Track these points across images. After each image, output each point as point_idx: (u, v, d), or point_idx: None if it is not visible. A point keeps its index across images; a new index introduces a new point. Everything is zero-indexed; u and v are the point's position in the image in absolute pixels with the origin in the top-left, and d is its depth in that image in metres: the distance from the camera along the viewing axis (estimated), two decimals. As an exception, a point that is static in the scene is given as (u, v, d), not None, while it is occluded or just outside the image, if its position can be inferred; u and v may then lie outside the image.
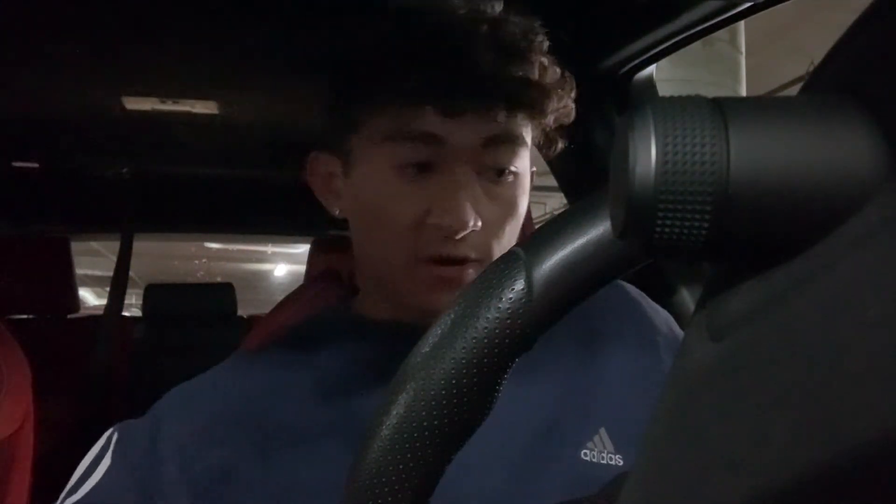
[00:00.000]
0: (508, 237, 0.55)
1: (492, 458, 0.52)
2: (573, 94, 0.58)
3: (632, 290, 0.66)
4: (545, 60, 0.55)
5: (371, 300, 0.62)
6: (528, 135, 0.55)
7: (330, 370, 0.57)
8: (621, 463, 0.54)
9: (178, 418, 0.55)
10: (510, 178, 0.54)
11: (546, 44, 0.56)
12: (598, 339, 0.60)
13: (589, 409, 0.56)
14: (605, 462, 0.53)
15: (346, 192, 0.58)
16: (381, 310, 0.60)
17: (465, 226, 0.51)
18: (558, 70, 0.56)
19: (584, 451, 0.54)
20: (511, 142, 0.53)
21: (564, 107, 0.57)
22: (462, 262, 0.53)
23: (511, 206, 0.55)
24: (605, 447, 0.54)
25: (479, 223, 0.52)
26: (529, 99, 0.53)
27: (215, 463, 0.51)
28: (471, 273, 0.53)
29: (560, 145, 0.60)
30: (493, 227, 0.54)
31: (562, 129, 0.59)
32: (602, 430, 0.55)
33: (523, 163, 0.55)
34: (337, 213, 0.60)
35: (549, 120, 0.56)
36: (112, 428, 0.55)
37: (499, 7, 0.55)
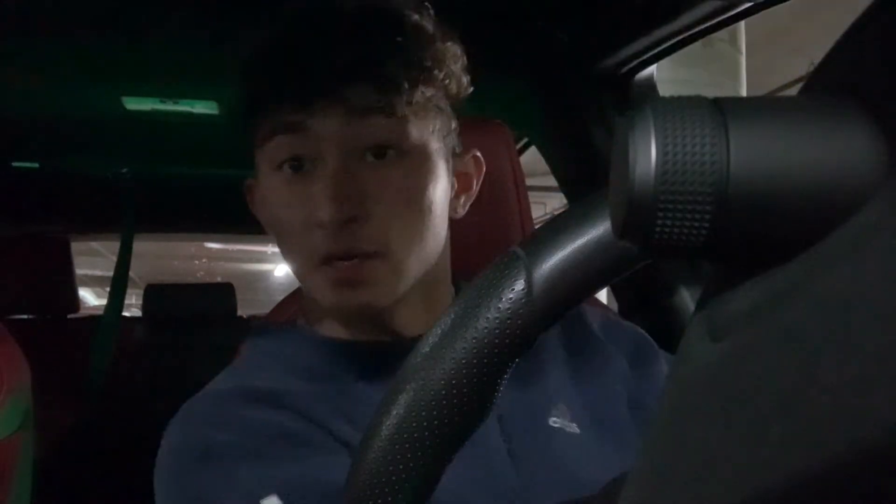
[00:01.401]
0: (414, 224, 0.52)
1: (496, 451, 0.54)
2: (457, 65, 0.55)
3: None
4: (421, 33, 0.53)
5: (319, 315, 0.60)
6: (399, 106, 0.50)
7: (290, 390, 0.54)
8: (578, 431, 0.57)
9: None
10: (393, 155, 0.51)
11: (429, 18, 0.54)
12: (575, 335, 0.64)
13: (544, 387, 0.59)
14: (568, 430, 0.56)
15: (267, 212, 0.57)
16: (332, 325, 0.59)
17: (337, 216, 0.48)
18: (441, 42, 0.54)
19: (553, 419, 0.57)
20: (375, 114, 0.49)
21: (445, 75, 0.54)
22: (353, 255, 0.50)
23: (402, 188, 0.51)
24: (565, 416, 0.57)
25: (357, 211, 0.49)
26: (383, 72, 0.50)
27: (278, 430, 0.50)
28: (369, 269, 0.50)
29: (448, 112, 0.56)
30: (385, 215, 0.50)
31: (455, 98, 0.56)
32: (560, 403, 0.58)
33: (407, 139, 0.51)
34: (272, 226, 0.58)
35: (427, 91, 0.52)
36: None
37: None
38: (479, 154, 0.61)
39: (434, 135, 0.54)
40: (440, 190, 0.54)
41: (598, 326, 0.66)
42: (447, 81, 0.54)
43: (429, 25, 0.54)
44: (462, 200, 0.60)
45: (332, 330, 0.59)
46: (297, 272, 0.55)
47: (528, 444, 0.55)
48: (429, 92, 0.52)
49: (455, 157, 0.58)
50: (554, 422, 0.57)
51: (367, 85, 0.49)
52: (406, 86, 0.50)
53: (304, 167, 0.51)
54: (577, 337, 0.64)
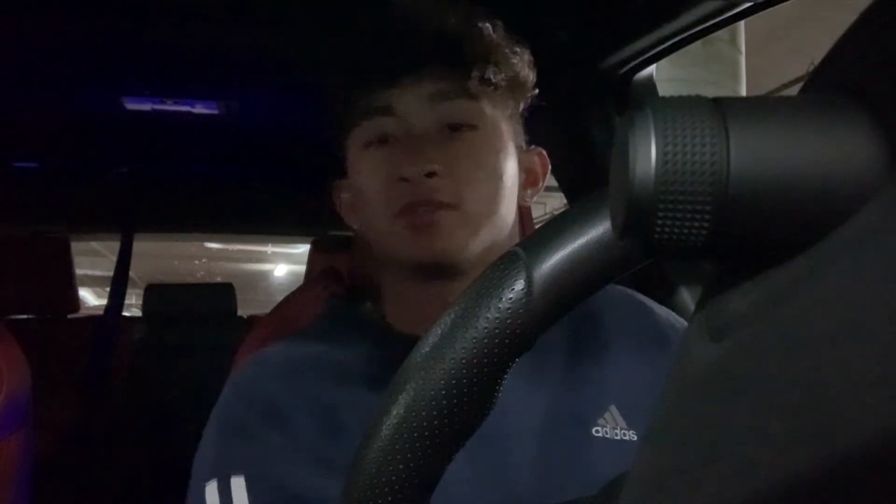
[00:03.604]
0: (483, 188, 0.57)
1: (513, 456, 0.53)
2: (528, 60, 0.62)
3: (634, 293, 0.67)
4: (488, 30, 0.59)
5: (393, 308, 0.63)
6: (472, 89, 0.57)
7: (354, 377, 0.58)
8: (635, 438, 0.55)
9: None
10: (467, 131, 0.57)
11: (499, 27, 0.60)
12: (602, 327, 0.62)
13: (597, 387, 0.58)
14: (618, 438, 0.55)
15: (351, 184, 0.62)
16: (404, 318, 0.62)
17: (417, 171, 0.54)
18: (506, 39, 0.60)
19: (596, 428, 0.55)
20: (456, 97, 0.57)
21: (515, 66, 0.60)
22: (431, 204, 0.55)
23: (474, 156, 0.57)
24: (616, 423, 0.56)
25: (437, 167, 0.54)
26: (463, 57, 0.57)
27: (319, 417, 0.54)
28: (443, 217, 0.55)
29: (515, 105, 0.63)
30: (460, 174, 0.56)
31: (520, 92, 0.62)
32: (612, 408, 0.57)
33: (480, 118, 0.58)
34: (357, 227, 0.65)
35: (498, 77, 0.59)
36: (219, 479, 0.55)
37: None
38: (543, 152, 0.66)
39: (504, 120, 0.60)
40: (510, 167, 0.59)
41: (674, 329, 0.63)
42: (515, 62, 0.60)
43: (499, 30, 0.61)
44: (529, 192, 0.65)
45: (403, 323, 0.62)
46: (377, 231, 0.59)
47: (564, 454, 0.54)
48: (500, 74, 0.59)
49: (522, 150, 0.63)
50: (597, 431, 0.55)
51: (445, 67, 0.56)
52: (480, 67, 0.57)
53: (388, 143, 0.58)
54: (643, 330, 0.62)
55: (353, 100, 0.58)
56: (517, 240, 0.61)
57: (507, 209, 0.59)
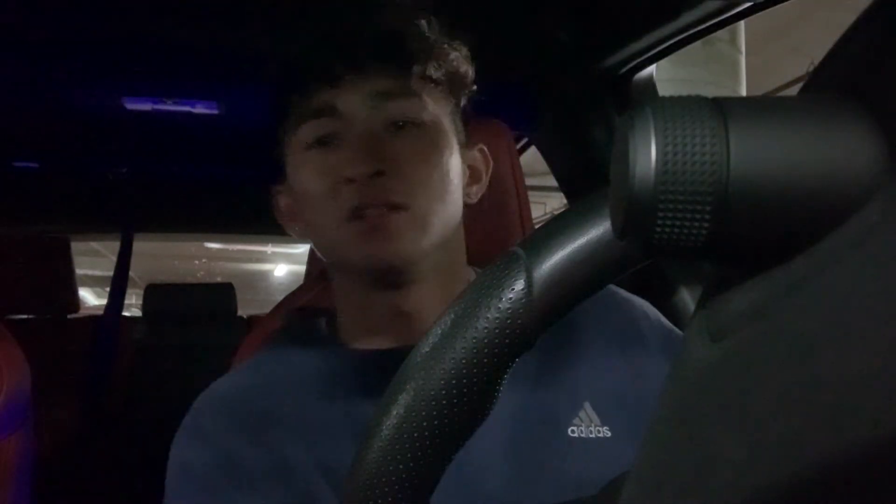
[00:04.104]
0: (431, 186, 0.56)
1: (488, 455, 0.53)
2: (465, 55, 0.61)
3: (617, 289, 0.66)
4: (429, 26, 0.59)
5: (347, 320, 0.62)
6: (421, 87, 0.57)
7: (311, 399, 0.57)
8: (609, 434, 0.55)
9: (219, 417, 0.55)
10: (412, 128, 0.57)
11: (430, 16, 0.60)
12: (574, 323, 0.60)
13: (571, 384, 0.57)
14: (593, 436, 0.54)
15: (291, 189, 0.60)
16: (357, 332, 0.61)
17: (364, 171, 0.53)
18: (445, 33, 0.60)
19: (572, 427, 0.55)
20: (400, 95, 0.56)
21: (453, 61, 0.60)
22: (381, 205, 0.54)
23: (421, 153, 0.56)
24: (591, 421, 0.55)
25: (383, 166, 0.53)
26: (404, 54, 0.56)
27: (268, 459, 0.52)
28: (395, 219, 0.54)
29: (456, 102, 0.62)
30: (408, 173, 0.55)
31: (459, 88, 0.62)
32: (586, 405, 0.56)
33: (425, 114, 0.57)
34: (298, 231, 0.63)
35: (439, 73, 0.58)
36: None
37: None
38: (485, 148, 0.65)
39: (445, 117, 0.59)
40: (454, 164, 0.59)
41: (649, 321, 0.63)
42: (454, 60, 0.60)
43: (432, 19, 0.59)
44: (474, 189, 0.64)
45: (354, 337, 0.61)
46: (325, 237, 0.58)
47: (538, 455, 0.54)
48: (440, 70, 0.59)
49: (464, 147, 0.62)
50: (573, 431, 0.54)
51: (387, 65, 0.56)
52: (420, 64, 0.57)
53: (331, 143, 0.56)
54: (618, 325, 0.61)
55: (294, 101, 0.57)
56: (463, 240, 0.62)
57: (455, 207, 0.59)
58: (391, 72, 0.56)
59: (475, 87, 0.63)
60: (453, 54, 0.60)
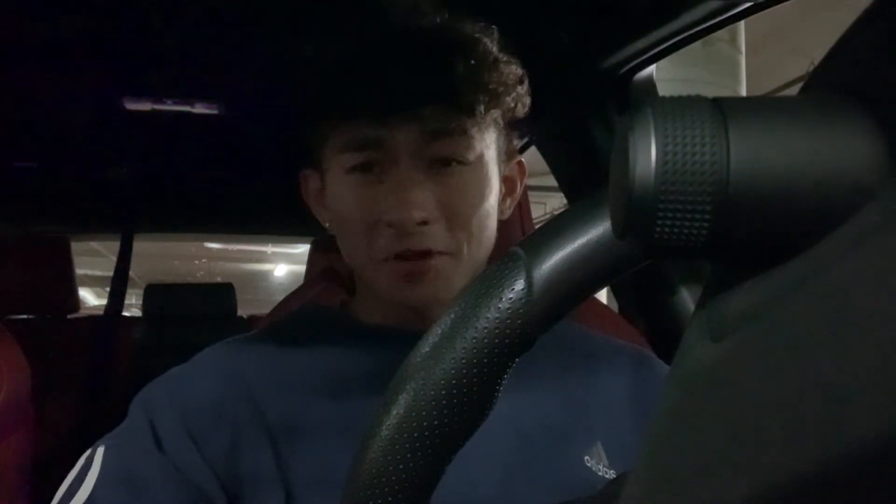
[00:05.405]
0: (476, 226, 0.56)
1: (495, 458, 0.53)
2: (522, 87, 0.60)
3: (652, 354, 0.67)
4: (490, 57, 0.57)
5: (364, 304, 0.63)
6: (469, 126, 0.55)
7: (323, 368, 0.57)
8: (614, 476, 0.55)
9: (172, 406, 0.54)
10: (457, 167, 0.55)
11: (494, 41, 0.58)
12: (598, 361, 0.61)
13: (589, 422, 0.57)
14: (600, 474, 0.55)
15: (327, 203, 0.60)
16: (373, 314, 0.61)
17: (410, 219, 0.52)
18: (507, 65, 0.58)
19: (587, 457, 0.55)
20: (448, 134, 0.54)
21: (513, 98, 0.58)
22: (424, 255, 0.54)
23: (465, 194, 0.55)
24: (601, 460, 0.56)
25: (428, 214, 0.53)
26: (458, 95, 0.54)
27: (221, 445, 0.52)
28: (438, 264, 0.54)
29: (518, 134, 0.62)
30: (453, 217, 0.55)
31: (520, 120, 0.60)
32: (599, 444, 0.57)
33: (471, 152, 0.56)
34: (327, 225, 0.63)
35: (494, 112, 0.57)
36: (93, 446, 0.53)
37: (443, 15, 0.58)
38: (522, 160, 0.65)
39: (492, 147, 0.58)
40: (494, 195, 0.58)
41: (630, 361, 0.63)
42: (514, 105, 0.59)
43: (495, 48, 0.58)
44: (508, 203, 0.64)
45: (370, 316, 0.61)
46: (359, 266, 0.58)
47: (541, 465, 0.54)
48: (496, 114, 0.57)
49: (504, 162, 0.61)
50: (588, 461, 0.55)
51: (442, 107, 0.54)
52: (480, 109, 0.55)
53: (373, 171, 0.55)
54: (642, 385, 0.61)
55: (338, 123, 0.55)
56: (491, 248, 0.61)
57: (492, 232, 0.58)
58: (450, 113, 0.54)
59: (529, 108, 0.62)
60: (520, 89, 0.59)
